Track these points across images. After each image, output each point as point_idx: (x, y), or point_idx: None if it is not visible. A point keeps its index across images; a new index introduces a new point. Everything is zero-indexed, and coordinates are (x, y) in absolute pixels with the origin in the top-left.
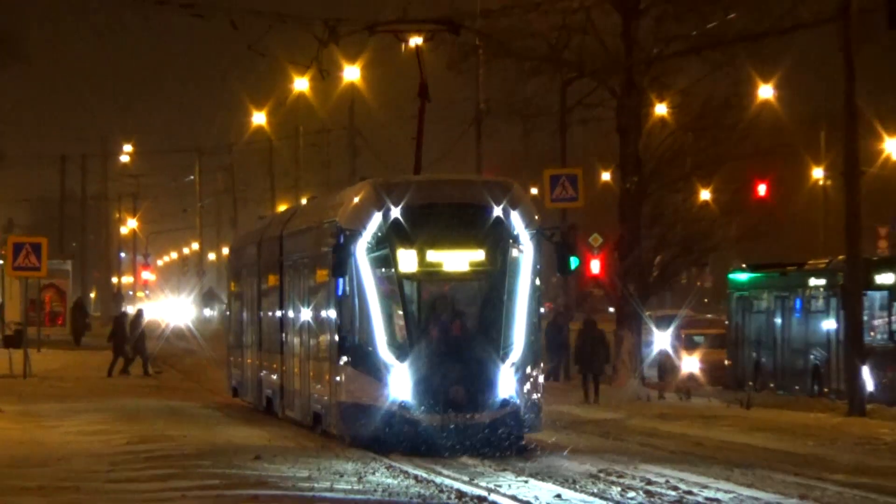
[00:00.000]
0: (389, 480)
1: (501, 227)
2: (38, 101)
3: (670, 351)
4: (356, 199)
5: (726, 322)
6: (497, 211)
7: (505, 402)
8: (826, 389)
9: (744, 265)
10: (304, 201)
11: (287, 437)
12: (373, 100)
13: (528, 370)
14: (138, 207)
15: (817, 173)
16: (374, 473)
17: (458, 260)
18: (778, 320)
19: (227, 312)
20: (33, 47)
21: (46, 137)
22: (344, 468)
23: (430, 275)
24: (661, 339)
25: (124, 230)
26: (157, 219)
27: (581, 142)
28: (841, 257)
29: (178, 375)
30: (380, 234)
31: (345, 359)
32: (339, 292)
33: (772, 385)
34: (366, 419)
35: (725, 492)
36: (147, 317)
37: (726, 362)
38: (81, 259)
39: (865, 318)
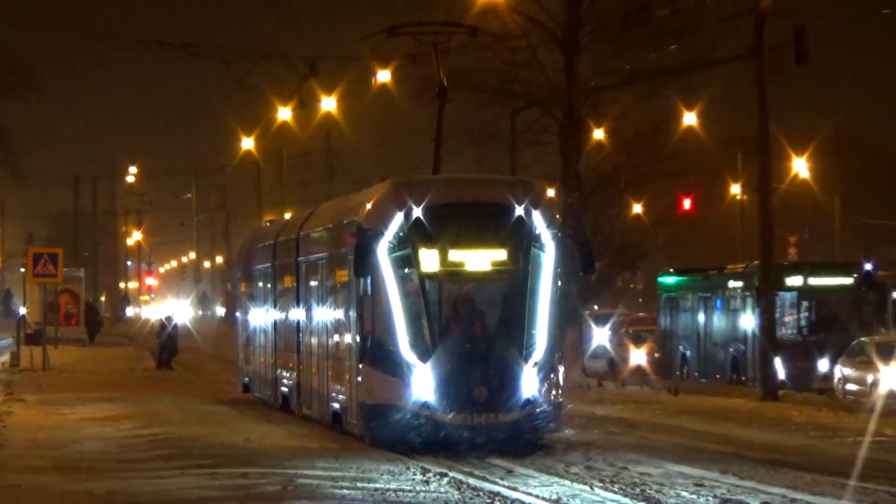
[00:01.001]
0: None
1: (523, 226)
2: (53, 128)
3: (608, 345)
4: (377, 199)
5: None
6: (519, 210)
7: (528, 402)
8: (743, 378)
9: (671, 269)
10: (287, 216)
11: (304, 435)
12: (347, 126)
13: (550, 370)
14: (142, 221)
15: (735, 189)
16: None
17: (480, 259)
18: (701, 318)
19: (239, 312)
20: (49, 80)
21: (61, 160)
22: (378, 469)
23: (452, 274)
24: (600, 335)
25: (130, 241)
26: (159, 231)
27: (529, 163)
28: (756, 262)
29: (180, 368)
30: (401, 233)
31: (366, 358)
32: (361, 292)
33: (696, 374)
34: (388, 419)
35: (655, 467)
36: (176, 320)
37: (656, 355)
38: (93, 267)
39: (777, 315)
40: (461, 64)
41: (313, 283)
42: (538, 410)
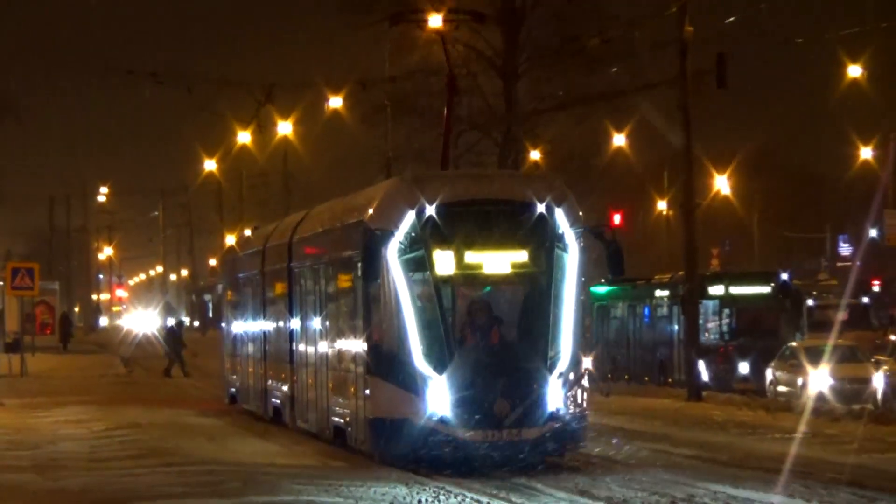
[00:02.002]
0: None
1: (546, 225)
2: (29, 151)
3: None
4: (386, 197)
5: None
6: (540, 208)
7: (552, 416)
8: (670, 380)
9: (602, 280)
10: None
11: (305, 453)
12: (302, 148)
13: (575, 381)
14: (113, 238)
15: (661, 205)
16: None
17: (499, 261)
18: (631, 324)
19: (223, 322)
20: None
21: (37, 181)
22: (392, 493)
23: (469, 278)
24: None
25: (102, 256)
26: (128, 247)
27: None
28: (681, 273)
29: (146, 373)
30: (413, 233)
31: (375, 370)
32: (368, 298)
33: (626, 377)
34: (399, 436)
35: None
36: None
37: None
38: (67, 280)
39: (700, 322)
40: (407, 89)
41: (309, 290)
42: (563, 425)
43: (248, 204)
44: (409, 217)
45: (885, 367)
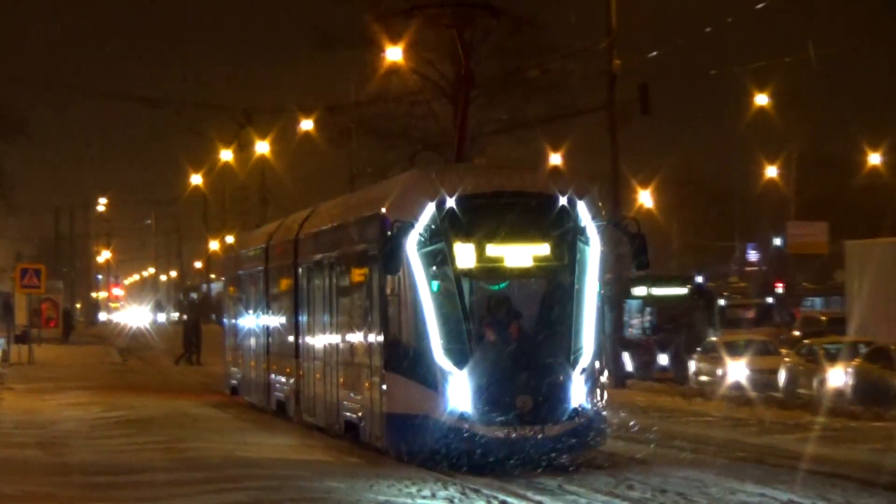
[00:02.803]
0: None
1: (568, 218)
2: (39, 166)
3: None
4: (406, 189)
5: None
6: (562, 201)
7: (575, 413)
8: None
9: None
10: (229, 239)
11: (317, 447)
12: (278, 164)
13: (597, 376)
14: (110, 243)
15: None
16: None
17: (521, 255)
18: None
19: (225, 317)
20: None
21: (45, 192)
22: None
23: (491, 271)
24: None
25: (100, 259)
26: (124, 251)
27: None
28: (608, 276)
29: (139, 362)
30: (433, 226)
31: (392, 365)
32: (385, 292)
33: None
34: (418, 432)
35: None
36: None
37: None
38: (70, 280)
39: (626, 318)
40: (369, 113)
41: (318, 285)
42: (586, 422)
43: (230, 214)
44: (430, 209)
45: (787, 359)
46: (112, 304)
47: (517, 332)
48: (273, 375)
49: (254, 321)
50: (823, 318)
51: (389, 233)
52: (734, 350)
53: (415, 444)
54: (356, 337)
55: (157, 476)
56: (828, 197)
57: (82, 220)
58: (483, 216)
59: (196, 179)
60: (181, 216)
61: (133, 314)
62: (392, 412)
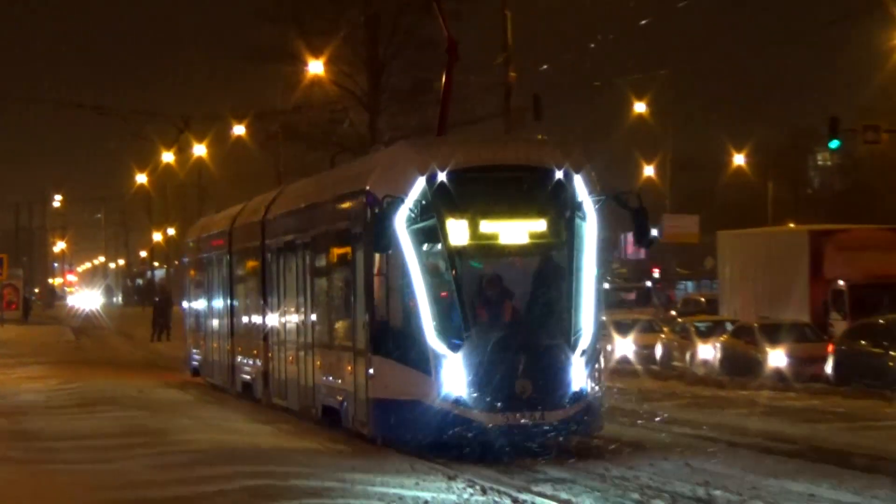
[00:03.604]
0: None
1: (565, 192)
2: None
3: None
4: (394, 163)
5: None
6: (559, 174)
7: (576, 398)
8: None
9: None
10: (171, 231)
11: (296, 433)
12: (213, 164)
13: (596, 359)
14: (65, 235)
15: None
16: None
17: (517, 231)
18: None
19: (186, 299)
20: None
21: (5, 190)
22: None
23: (485, 248)
24: None
25: (56, 249)
26: (78, 241)
27: None
28: None
29: (90, 341)
30: (424, 201)
31: (380, 347)
32: (371, 271)
33: None
34: (409, 418)
35: None
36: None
37: None
38: (29, 268)
39: None
40: (295, 120)
41: (289, 266)
42: (587, 407)
43: (172, 208)
44: (419, 183)
45: (663, 336)
46: (68, 290)
47: (510, 313)
48: (238, 357)
49: (216, 304)
50: (703, 299)
51: (378, 209)
52: (623, 329)
53: (405, 431)
54: (336, 319)
55: (107, 441)
56: (699, 193)
57: (40, 214)
58: (476, 191)
59: (141, 178)
60: (128, 211)
61: (85, 298)
62: (379, 397)
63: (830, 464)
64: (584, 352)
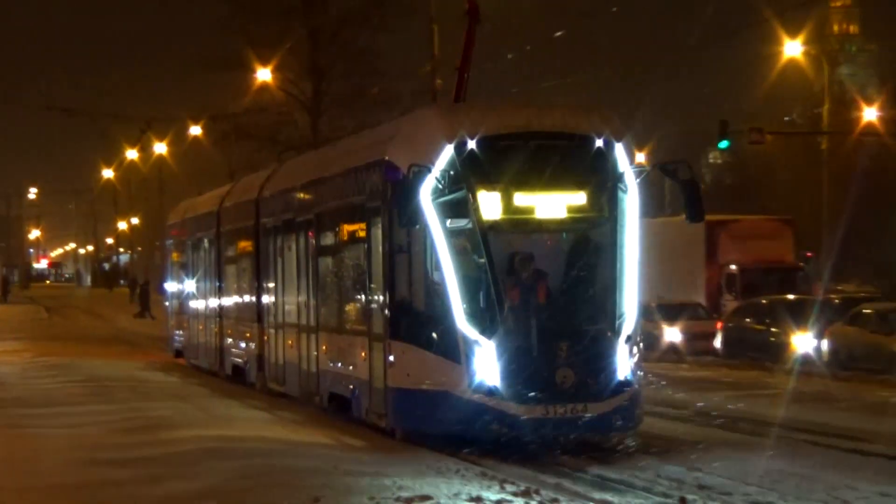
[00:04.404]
0: None
1: (606, 162)
2: None
3: None
4: (417, 130)
5: None
6: (599, 143)
7: (621, 388)
8: None
9: None
10: (135, 220)
11: (301, 423)
12: (172, 161)
13: (638, 346)
14: (40, 224)
15: None
16: None
17: (557, 204)
18: None
19: (169, 281)
20: None
21: None
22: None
23: (521, 223)
24: None
25: (32, 237)
26: (51, 229)
27: None
28: None
29: (62, 319)
30: (452, 172)
31: (401, 332)
32: (391, 249)
33: None
34: (435, 410)
35: None
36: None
37: None
38: (7, 253)
39: None
40: (245, 121)
41: (289, 246)
42: (632, 398)
43: (135, 200)
44: (447, 152)
45: None
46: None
47: (545, 295)
48: (228, 340)
49: (203, 285)
50: None
51: (402, 180)
52: None
53: (430, 424)
54: (346, 301)
55: (77, 408)
56: None
57: (17, 205)
58: (510, 160)
59: (108, 174)
60: (96, 202)
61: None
62: (400, 387)
63: (721, 428)
64: (628, 337)
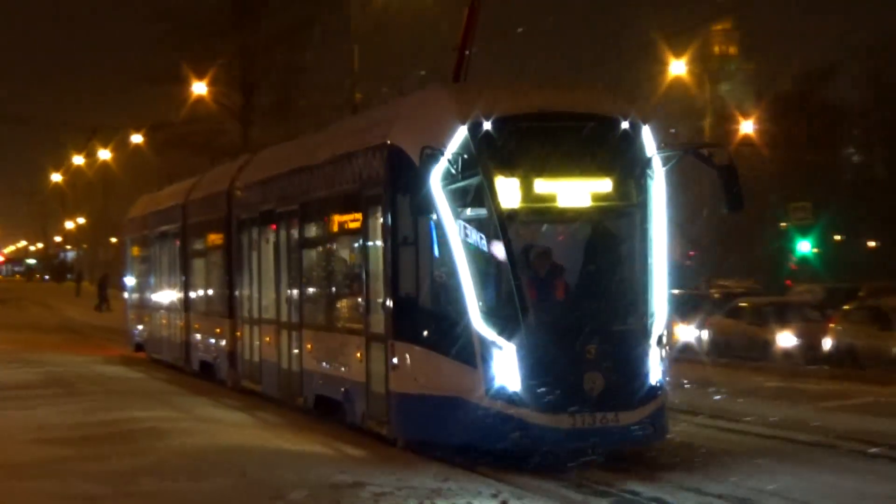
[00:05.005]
0: None
1: (633, 147)
2: None
3: None
4: (425, 110)
5: None
6: (625, 125)
7: (653, 394)
8: None
9: None
10: (81, 220)
11: (280, 425)
12: (116, 167)
13: (668, 348)
14: None
15: None
16: None
17: (582, 192)
18: None
19: (129, 276)
20: None
21: None
22: None
23: (544, 213)
24: None
25: None
26: (4, 228)
27: None
28: None
29: (7, 309)
30: (466, 155)
31: (407, 333)
32: (395, 241)
33: None
34: (447, 419)
35: None
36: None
37: None
38: None
39: None
40: (182, 130)
41: (267, 239)
42: (662, 406)
43: (82, 202)
44: (460, 134)
45: None
46: None
47: (563, 292)
48: (196, 336)
49: (167, 279)
50: None
51: (401, 165)
52: None
53: (441, 434)
54: (339, 297)
55: (38, 391)
56: None
57: None
58: (530, 142)
59: (56, 178)
60: (46, 204)
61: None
62: (406, 392)
63: None
64: (659, 338)
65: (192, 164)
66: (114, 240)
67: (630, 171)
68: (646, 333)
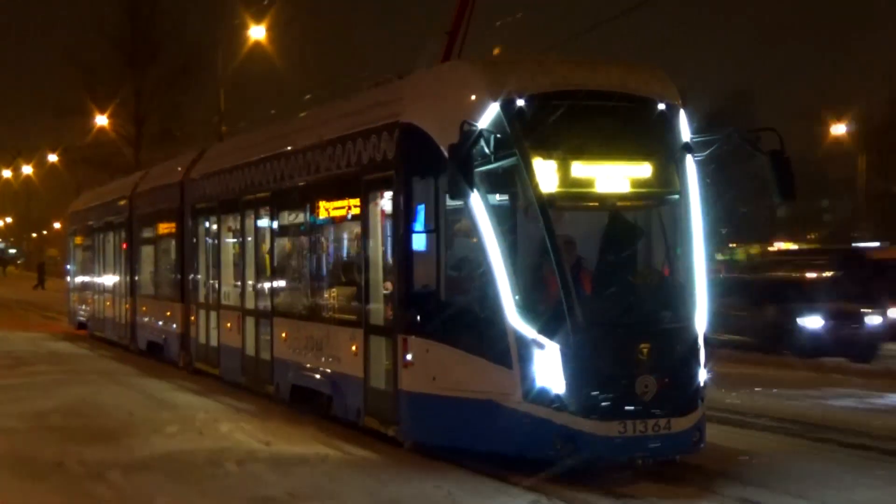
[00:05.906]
0: None
1: (676, 130)
2: None
3: None
4: (445, 87)
5: None
6: (663, 106)
7: (701, 397)
8: None
9: None
10: (9, 219)
11: (255, 413)
12: (38, 182)
13: (711, 347)
14: None
15: None
16: None
17: (625, 176)
18: None
19: (71, 263)
20: None
21: None
22: None
23: (584, 198)
24: None
25: None
26: None
27: None
28: None
29: None
30: (500, 135)
31: (424, 327)
32: (412, 227)
33: None
34: (475, 423)
35: None
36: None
37: None
38: None
39: None
40: (88, 153)
41: (228, 227)
42: (705, 410)
43: (9, 208)
44: (492, 111)
45: None
46: None
47: (589, 285)
48: (143, 318)
49: (113, 266)
50: None
51: (422, 145)
52: None
53: (466, 439)
54: (328, 286)
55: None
56: None
57: None
58: (568, 122)
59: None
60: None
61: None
62: (422, 392)
63: None
64: (706, 336)
65: (95, 178)
66: (34, 235)
67: (672, 155)
68: (694, 332)
